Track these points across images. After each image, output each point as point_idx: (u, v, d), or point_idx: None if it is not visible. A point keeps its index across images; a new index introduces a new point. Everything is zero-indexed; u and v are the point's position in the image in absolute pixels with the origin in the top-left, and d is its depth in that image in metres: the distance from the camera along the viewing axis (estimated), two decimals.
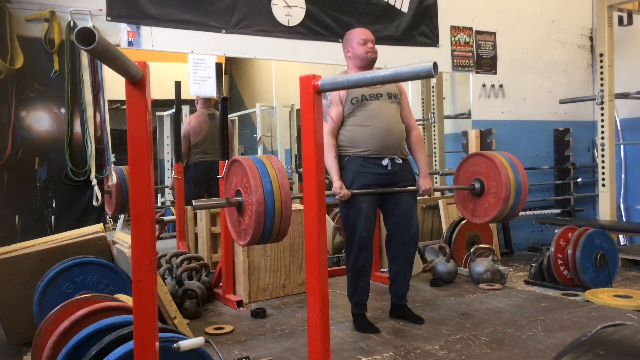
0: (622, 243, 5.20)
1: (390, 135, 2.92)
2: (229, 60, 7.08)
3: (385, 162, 2.90)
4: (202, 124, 4.93)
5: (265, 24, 4.15)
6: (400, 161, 2.96)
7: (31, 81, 3.56)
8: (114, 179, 3.79)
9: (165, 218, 4.78)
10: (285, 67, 6.14)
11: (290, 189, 2.25)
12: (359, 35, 2.97)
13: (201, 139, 4.91)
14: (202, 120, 4.95)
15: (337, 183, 2.82)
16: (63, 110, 3.63)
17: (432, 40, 4.85)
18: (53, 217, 3.61)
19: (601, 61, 4.80)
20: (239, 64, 7.42)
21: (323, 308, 1.76)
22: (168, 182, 5.91)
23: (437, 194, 5.20)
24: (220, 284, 3.60)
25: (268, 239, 2.21)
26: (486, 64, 5.14)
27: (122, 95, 1.45)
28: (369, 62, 2.95)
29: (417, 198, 3.98)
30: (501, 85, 5.21)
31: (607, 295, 3.34)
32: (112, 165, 3.75)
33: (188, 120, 5.00)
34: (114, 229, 5.02)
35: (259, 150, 6.38)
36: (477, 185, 3.07)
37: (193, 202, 2.30)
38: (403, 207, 2.96)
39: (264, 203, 2.12)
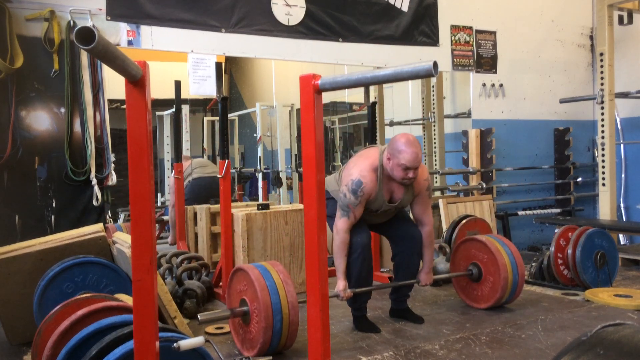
0: (622, 243, 5.19)
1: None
2: (229, 60, 7.08)
3: None
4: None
5: (265, 23, 4.15)
6: None
7: (31, 81, 3.55)
8: (114, 179, 3.80)
9: (165, 218, 4.78)
10: (285, 66, 6.14)
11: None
12: (407, 160, 2.71)
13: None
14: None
15: (341, 284, 2.76)
16: (63, 110, 3.63)
17: (432, 39, 4.85)
18: (53, 217, 3.61)
19: (601, 60, 4.79)
20: (239, 64, 7.43)
21: (323, 308, 1.76)
22: (168, 181, 5.90)
23: (437, 193, 5.20)
24: (220, 284, 3.60)
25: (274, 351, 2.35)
26: (486, 63, 5.14)
27: (122, 95, 1.45)
28: (401, 183, 2.87)
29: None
30: (501, 85, 5.21)
31: (607, 294, 3.34)
32: (113, 222, 3.77)
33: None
34: None
35: (259, 149, 6.38)
36: (475, 271, 3.21)
37: (199, 317, 2.36)
38: (400, 222, 3.01)
39: (272, 329, 2.27)
